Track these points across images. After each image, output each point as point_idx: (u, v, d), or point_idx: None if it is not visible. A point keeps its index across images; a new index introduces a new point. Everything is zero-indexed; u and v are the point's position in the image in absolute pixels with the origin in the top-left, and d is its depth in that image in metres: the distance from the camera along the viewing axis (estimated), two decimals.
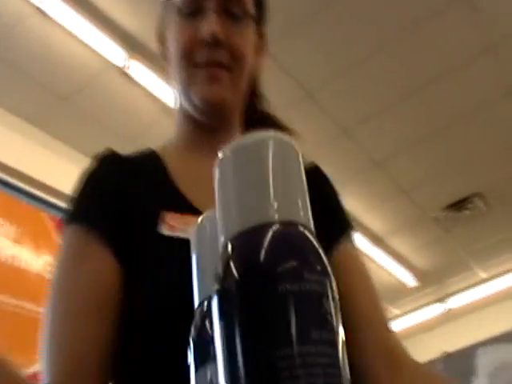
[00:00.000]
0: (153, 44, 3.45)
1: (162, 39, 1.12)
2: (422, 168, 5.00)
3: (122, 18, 3.49)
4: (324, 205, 0.97)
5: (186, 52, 1.02)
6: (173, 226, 0.92)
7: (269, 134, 0.45)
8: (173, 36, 1.06)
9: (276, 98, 1.20)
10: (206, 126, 1.08)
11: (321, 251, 0.42)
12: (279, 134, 0.45)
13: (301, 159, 0.46)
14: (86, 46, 3.61)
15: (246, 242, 0.41)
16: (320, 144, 4.27)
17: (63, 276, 0.92)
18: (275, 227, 0.41)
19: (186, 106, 1.06)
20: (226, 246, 0.42)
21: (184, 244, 0.82)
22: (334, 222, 1.05)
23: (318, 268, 0.41)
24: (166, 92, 3.99)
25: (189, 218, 0.92)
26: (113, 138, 4.31)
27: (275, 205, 0.42)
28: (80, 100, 4.01)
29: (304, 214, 0.44)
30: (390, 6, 3.60)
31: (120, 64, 3.73)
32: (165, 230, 0.92)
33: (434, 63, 4.07)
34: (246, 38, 1.05)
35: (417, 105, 4.38)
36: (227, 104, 1.04)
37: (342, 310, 0.87)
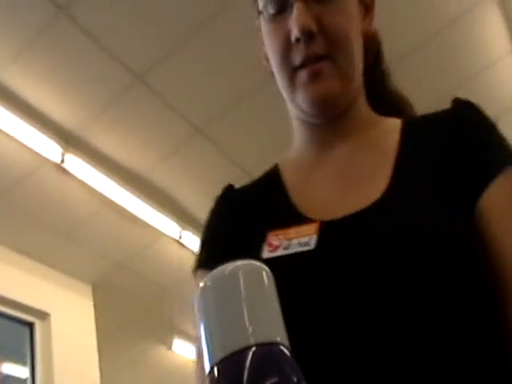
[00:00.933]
0: (87, 136, 3.46)
1: (265, 55, 1.02)
2: None
3: (54, 113, 3.50)
4: (463, 152, 0.87)
5: (282, 57, 0.93)
6: (275, 245, 0.88)
7: (243, 264, 0.52)
8: (266, 40, 0.97)
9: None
10: (323, 125, 0.98)
11: (294, 364, 0.48)
12: (252, 264, 0.52)
13: (272, 282, 0.52)
14: (19, 142, 3.59)
15: (229, 366, 0.47)
16: None
17: None
18: (253, 350, 0.47)
19: (294, 108, 0.98)
20: (212, 371, 0.48)
21: (284, 261, 0.84)
22: (477, 169, 0.87)
23: (295, 380, 0.47)
24: (104, 183, 3.99)
25: (291, 231, 0.87)
26: (50, 234, 4.25)
27: (251, 329, 0.48)
28: (15, 196, 3.95)
29: (277, 331, 0.50)
30: None
31: (55, 159, 3.71)
32: (266, 253, 0.88)
33: None
34: (343, 13, 0.93)
35: None
36: (337, 97, 0.93)
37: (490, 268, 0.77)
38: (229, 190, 1.04)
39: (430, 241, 0.78)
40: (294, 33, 0.90)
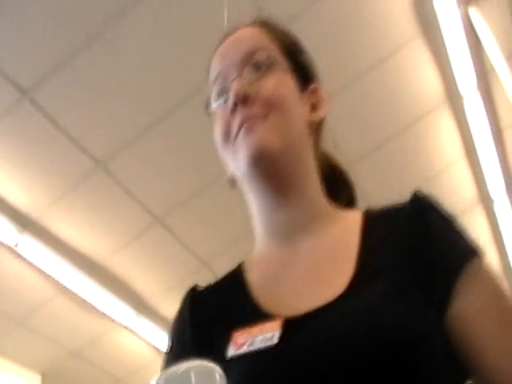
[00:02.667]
0: (45, 220, 3.45)
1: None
2: None
3: (11, 196, 3.50)
4: (425, 248, 0.86)
5: (224, 130, 0.96)
6: (240, 343, 0.87)
7: (195, 365, 0.54)
8: (215, 131, 1.00)
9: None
10: (267, 193, 0.96)
11: None
12: (204, 364, 0.55)
13: (224, 381, 0.55)
14: None
15: None
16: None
17: None
18: None
19: (245, 183, 0.98)
20: None
21: (247, 357, 0.84)
22: (441, 265, 0.85)
23: None
24: (59, 269, 3.94)
25: (255, 329, 0.86)
26: (0, 320, 4.15)
27: None
28: None
29: None
30: None
31: (10, 242, 3.68)
32: (231, 351, 0.86)
33: None
34: (277, 84, 0.96)
35: None
36: (272, 148, 0.92)
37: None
38: (193, 292, 1.03)
39: (388, 342, 0.78)
40: (230, 101, 0.94)
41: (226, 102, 0.96)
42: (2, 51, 2.75)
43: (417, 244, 0.87)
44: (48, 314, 4.33)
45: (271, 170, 0.93)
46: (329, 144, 3.63)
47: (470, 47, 3.51)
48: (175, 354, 0.96)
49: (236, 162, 0.95)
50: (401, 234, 0.90)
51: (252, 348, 0.85)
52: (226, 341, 0.88)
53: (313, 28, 3.05)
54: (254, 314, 0.90)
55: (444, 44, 3.45)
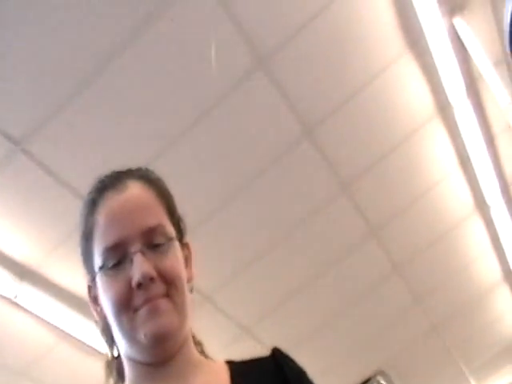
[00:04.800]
0: (43, 269, 3.37)
1: (93, 299, 1.09)
2: (322, 357, 5.02)
3: (9, 248, 3.43)
4: None
5: (122, 302, 1.01)
6: None
7: None
8: (104, 293, 1.04)
9: None
10: (154, 363, 1.05)
11: None
12: None
13: None
14: None
15: None
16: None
17: None
18: None
19: (133, 352, 1.04)
20: None
21: None
22: None
23: None
24: (60, 316, 3.86)
25: None
26: (2, 372, 4.06)
27: None
28: None
29: None
30: (275, 209, 3.77)
31: (9, 294, 3.60)
32: None
33: (322, 255, 4.25)
34: (174, 259, 1.05)
35: (310, 296, 4.48)
36: (175, 332, 1.02)
37: None
38: None
39: None
40: (136, 279, 0.99)
41: (119, 269, 1.01)
42: None
43: None
44: (52, 363, 4.24)
45: (170, 346, 1.02)
46: (323, 164, 3.59)
47: (457, 57, 3.51)
48: None
49: (135, 335, 1.00)
50: (267, 381, 1.05)
51: None
52: None
53: (303, 51, 3.03)
54: None
55: (431, 56, 3.46)
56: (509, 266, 5.59)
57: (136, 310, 1.00)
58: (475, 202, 4.67)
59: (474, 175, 4.39)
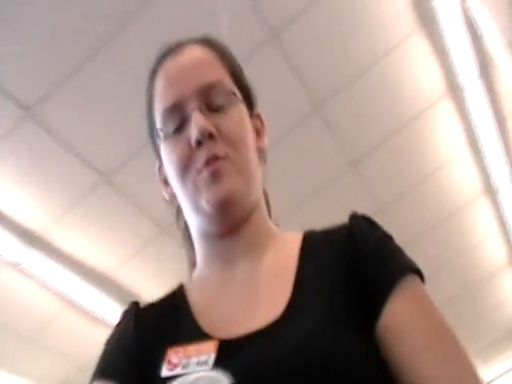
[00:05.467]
0: (51, 236, 3.41)
1: (164, 181, 1.05)
2: None
3: (16, 213, 3.47)
4: (361, 268, 0.88)
5: (183, 163, 0.95)
6: (174, 363, 0.87)
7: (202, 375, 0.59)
8: (167, 159, 0.99)
9: None
10: (222, 232, 0.98)
11: None
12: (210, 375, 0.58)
13: None
14: None
15: None
16: None
17: None
18: None
19: (199, 221, 0.98)
20: None
21: (182, 381, 0.82)
22: (373, 285, 0.87)
23: None
24: (67, 283, 3.91)
25: (191, 348, 0.86)
26: (11, 338, 4.12)
27: None
28: None
29: None
30: None
31: (17, 259, 3.65)
32: (165, 371, 0.86)
33: None
34: (237, 121, 0.98)
35: None
36: (237, 196, 0.94)
37: None
38: (134, 307, 1.03)
39: (325, 364, 0.78)
40: (194, 136, 0.93)
41: (180, 132, 0.96)
42: (2, 68, 2.72)
43: (353, 264, 0.89)
44: (57, 330, 4.30)
45: (233, 214, 0.96)
46: (334, 144, 3.61)
47: (470, 38, 3.49)
48: (106, 363, 0.97)
49: (197, 199, 0.95)
50: (338, 255, 0.92)
51: (186, 371, 0.84)
52: (161, 358, 0.88)
53: (314, 26, 3.03)
54: (193, 333, 0.90)
55: (443, 36, 3.44)
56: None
57: (199, 172, 0.94)
58: (483, 185, 4.66)
59: (483, 158, 4.38)
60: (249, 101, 1.04)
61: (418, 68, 3.60)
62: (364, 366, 0.80)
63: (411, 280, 0.86)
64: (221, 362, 0.82)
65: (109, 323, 4.34)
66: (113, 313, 4.28)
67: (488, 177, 4.58)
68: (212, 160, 0.93)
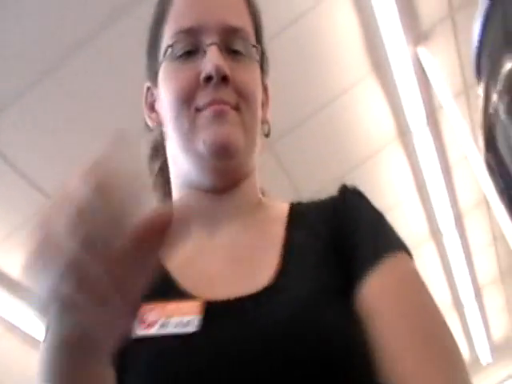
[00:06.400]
0: None
1: (150, 104, 0.95)
2: None
3: None
4: (347, 240, 0.81)
5: (186, 94, 0.85)
6: (149, 322, 0.76)
7: None
8: (166, 83, 0.88)
9: None
10: (211, 188, 0.89)
11: None
12: None
13: None
14: None
15: None
16: None
17: None
18: None
19: (187, 164, 0.88)
20: None
21: (160, 342, 0.73)
22: (364, 249, 0.81)
23: None
24: (8, 309, 3.85)
25: (171, 307, 0.77)
26: None
27: None
28: None
29: None
30: None
31: None
32: (140, 330, 0.75)
33: None
34: (253, 75, 0.89)
35: None
36: (238, 146, 0.85)
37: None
38: None
39: (319, 335, 0.73)
40: (208, 70, 0.83)
41: (189, 60, 0.87)
42: None
43: (340, 235, 0.83)
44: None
45: (229, 164, 0.86)
46: (284, 182, 3.65)
47: (420, 85, 3.62)
48: None
49: (192, 137, 0.85)
50: (325, 226, 0.85)
51: (164, 331, 0.75)
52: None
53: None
54: (170, 289, 0.81)
55: (394, 82, 3.55)
56: (458, 294, 5.70)
57: (198, 110, 0.84)
58: (430, 229, 4.77)
59: (430, 202, 4.49)
60: (263, 69, 0.94)
61: (369, 111, 3.70)
62: (352, 339, 0.73)
63: (401, 255, 0.80)
64: (207, 324, 0.74)
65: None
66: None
67: (434, 220, 4.69)
68: (218, 102, 0.84)
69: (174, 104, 0.86)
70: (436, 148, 4.05)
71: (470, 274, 5.40)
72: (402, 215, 4.53)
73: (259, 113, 0.90)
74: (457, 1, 3.33)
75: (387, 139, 3.92)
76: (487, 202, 3.81)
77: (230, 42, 0.87)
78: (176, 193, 0.92)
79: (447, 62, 3.53)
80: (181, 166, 0.89)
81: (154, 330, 0.74)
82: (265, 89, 0.96)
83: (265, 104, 0.95)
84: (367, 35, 3.26)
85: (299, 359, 0.70)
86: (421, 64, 3.48)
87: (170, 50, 0.87)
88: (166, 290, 0.79)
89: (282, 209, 0.91)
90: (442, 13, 3.38)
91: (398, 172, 4.17)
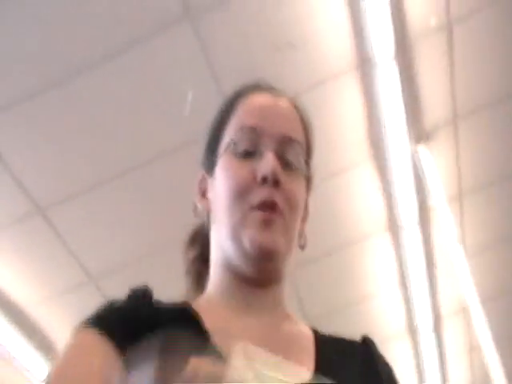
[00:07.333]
0: None
1: (202, 191, 1.05)
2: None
3: None
4: (381, 380, 0.96)
5: (241, 190, 0.94)
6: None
7: None
8: (224, 175, 0.98)
9: None
10: (251, 279, 0.97)
11: None
12: None
13: None
14: None
15: None
16: None
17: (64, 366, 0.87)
18: None
19: (232, 252, 0.96)
20: None
21: None
22: None
23: None
24: None
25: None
26: None
27: None
28: None
29: None
30: None
31: None
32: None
33: None
34: (300, 187, 0.99)
35: None
36: (279, 252, 0.94)
37: None
38: (150, 296, 0.97)
39: None
40: (264, 171, 0.92)
41: (246, 159, 0.96)
42: None
43: (367, 375, 0.94)
44: None
45: (270, 264, 0.95)
46: None
47: (416, 182, 3.71)
48: (118, 321, 0.90)
49: (241, 232, 0.94)
50: (355, 360, 0.96)
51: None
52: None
53: None
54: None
55: (391, 174, 3.65)
56: None
57: (251, 208, 0.93)
58: (407, 325, 4.78)
59: (411, 298, 4.52)
60: (308, 186, 1.04)
61: (362, 196, 3.78)
62: None
63: None
64: None
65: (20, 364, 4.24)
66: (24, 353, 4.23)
67: (413, 317, 4.70)
68: (269, 204, 0.93)
69: (230, 195, 0.95)
70: (424, 247, 4.11)
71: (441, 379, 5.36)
72: (381, 306, 4.56)
73: (299, 224, 0.99)
74: (461, 108, 3.46)
75: (376, 228, 3.99)
76: (468, 311, 3.81)
77: (285, 152, 0.97)
78: (217, 273, 1.00)
79: (445, 166, 3.63)
80: (226, 250, 0.97)
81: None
82: (306, 204, 1.03)
83: (304, 218, 1.03)
84: (371, 123, 3.38)
85: None
86: (419, 162, 3.58)
87: (232, 145, 0.98)
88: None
89: (305, 327, 1.02)
90: (447, 116, 3.50)
91: (383, 263, 4.23)
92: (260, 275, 0.96)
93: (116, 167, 3.32)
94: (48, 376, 0.85)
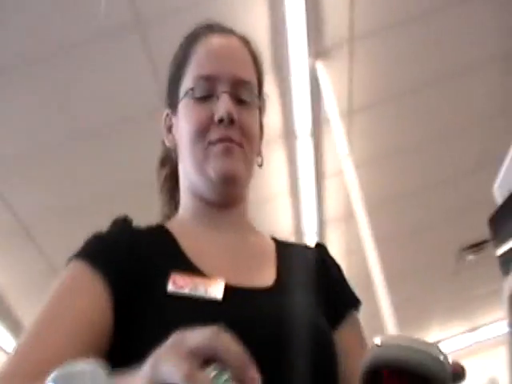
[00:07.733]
0: None
1: (168, 127, 1.19)
2: None
3: None
4: (331, 281, 1.15)
5: (200, 130, 1.08)
6: (180, 284, 0.95)
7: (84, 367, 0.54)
8: (185, 118, 1.12)
9: None
10: (217, 203, 1.13)
11: None
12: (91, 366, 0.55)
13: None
14: None
15: None
16: None
17: (55, 302, 0.95)
18: None
19: (198, 183, 1.11)
20: None
21: (190, 302, 0.92)
22: (340, 297, 1.15)
23: None
24: None
25: (198, 280, 0.96)
26: None
27: None
28: None
29: None
30: None
31: None
32: (171, 287, 0.94)
33: None
34: (254, 120, 1.14)
35: None
36: (241, 177, 1.09)
37: None
38: (130, 224, 1.10)
39: (317, 326, 1.00)
40: (220, 113, 1.07)
41: (204, 102, 1.10)
42: None
43: (322, 275, 1.13)
44: None
45: (233, 189, 1.11)
46: None
47: (312, 96, 3.90)
48: (104, 254, 1.00)
49: (204, 165, 1.08)
50: (310, 265, 1.14)
51: (194, 293, 0.93)
52: (162, 279, 0.95)
53: None
54: (192, 271, 1.00)
55: (290, 87, 3.82)
56: None
57: (210, 144, 1.08)
58: (293, 229, 5.09)
59: (299, 204, 4.80)
60: (260, 109, 1.19)
61: None
62: (335, 349, 1.03)
63: (357, 312, 1.16)
64: (229, 300, 0.94)
65: None
66: None
67: (300, 222, 4.99)
68: (226, 140, 1.07)
69: (191, 134, 1.10)
70: (315, 157, 4.35)
71: None
72: (272, 211, 4.82)
73: (256, 149, 1.15)
74: (358, 30, 3.64)
75: (271, 137, 4.17)
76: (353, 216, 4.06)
77: (238, 92, 1.11)
78: (186, 200, 1.16)
79: (339, 83, 3.83)
80: (193, 181, 1.13)
81: (186, 290, 0.94)
82: (260, 125, 1.20)
83: (260, 137, 1.19)
84: (274, 35, 3.49)
85: (305, 330, 0.96)
86: (316, 77, 3.76)
87: (190, 91, 1.11)
88: (190, 270, 1.00)
89: (267, 235, 1.20)
90: (345, 36, 3.67)
91: (276, 169, 4.44)
92: (225, 199, 1.12)
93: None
94: (39, 314, 0.93)
